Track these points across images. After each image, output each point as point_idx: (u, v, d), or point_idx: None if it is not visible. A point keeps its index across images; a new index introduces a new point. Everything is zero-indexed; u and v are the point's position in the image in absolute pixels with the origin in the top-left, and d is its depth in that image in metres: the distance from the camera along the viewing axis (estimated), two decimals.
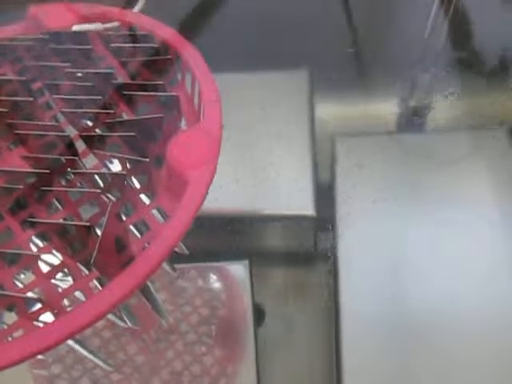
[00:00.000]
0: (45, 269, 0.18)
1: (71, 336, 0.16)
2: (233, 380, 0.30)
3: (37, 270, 0.18)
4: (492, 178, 0.33)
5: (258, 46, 0.41)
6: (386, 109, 0.39)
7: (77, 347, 0.22)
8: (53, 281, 0.18)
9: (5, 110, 0.20)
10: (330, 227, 0.32)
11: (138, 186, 0.20)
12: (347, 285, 0.30)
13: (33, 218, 0.19)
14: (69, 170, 0.20)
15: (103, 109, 0.21)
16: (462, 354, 0.27)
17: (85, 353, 0.23)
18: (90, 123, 0.21)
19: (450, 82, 0.40)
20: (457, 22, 0.41)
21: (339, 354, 0.28)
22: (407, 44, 0.42)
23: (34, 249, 0.19)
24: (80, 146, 0.20)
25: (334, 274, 0.31)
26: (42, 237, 0.19)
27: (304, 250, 0.36)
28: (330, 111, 0.39)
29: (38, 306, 0.17)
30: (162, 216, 0.20)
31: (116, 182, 0.19)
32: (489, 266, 0.30)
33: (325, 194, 0.34)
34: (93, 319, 0.16)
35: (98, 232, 0.18)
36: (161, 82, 0.21)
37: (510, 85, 0.39)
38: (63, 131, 0.20)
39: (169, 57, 0.22)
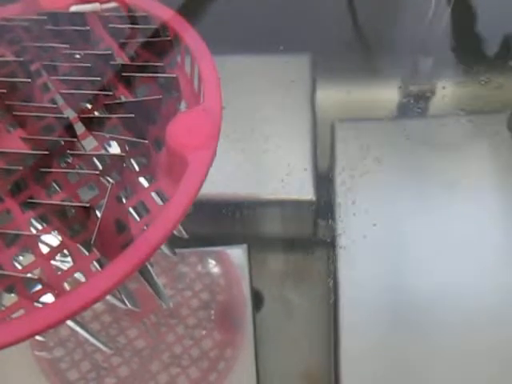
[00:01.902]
0: (45, 250, 0.18)
1: (71, 316, 0.16)
2: (231, 363, 0.30)
3: (36, 251, 0.18)
4: (494, 164, 0.33)
5: (260, 30, 0.41)
6: (388, 94, 0.38)
7: (78, 329, 0.22)
8: (53, 262, 0.18)
9: (3, 91, 0.20)
10: (330, 212, 0.32)
11: (137, 168, 0.20)
12: (346, 271, 0.30)
13: (32, 199, 0.19)
14: (68, 152, 0.20)
15: (102, 90, 0.20)
16: (461, 343, 0.27)
17: (85, 335, 0.23)
18: (88, 105, 0.21)
19: (452, 67, 0.39)
20: (459, 7, 0.41)
21: (338, 339, 0.28)
22: (409, 29, 0.41)
23: (34, 231, 0.19)
24: (79, 128, 0.20)
25: (333, 259, 0.31)
26: (41, 218, 0.19)
27: (303, 235, 0.36)
28: (330, 96, 0.39)
29: (39, 287, 0.17)
30: (162, 198, 0.20)
31: (115, 164, 0.19)
32: (490, 254, 0.30)
33: (324, 179, 0.34)
34: (92, 300, 0.16)
35: (98, 214, 0.18)
36: (160, 64, 0.21)
37: None
38: (62, 113, 0.20)
39: (168, 38, 0.22)
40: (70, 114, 0.21)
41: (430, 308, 0.28)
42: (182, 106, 0.22)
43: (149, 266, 0.21)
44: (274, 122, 0.36)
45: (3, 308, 0.17)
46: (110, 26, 0.23)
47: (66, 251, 0.18)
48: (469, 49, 0.40)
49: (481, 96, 0.38)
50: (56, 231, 0.19)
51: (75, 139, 0.20)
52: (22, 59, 0.21)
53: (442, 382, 0.27)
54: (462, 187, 0.32)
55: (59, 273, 0.18)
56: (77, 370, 0.30)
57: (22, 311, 0.17)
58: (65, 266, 0.18)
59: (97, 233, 0.16)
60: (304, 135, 0.35)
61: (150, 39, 0.22)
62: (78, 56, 0.22)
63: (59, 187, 0.20)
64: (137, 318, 0.32)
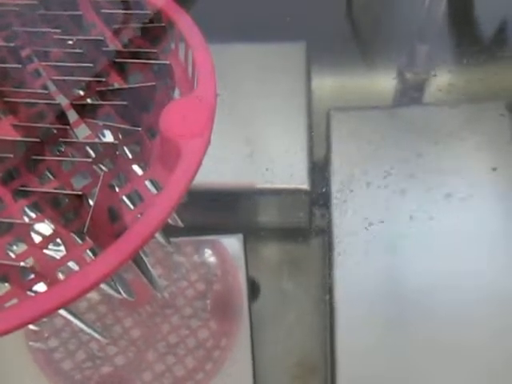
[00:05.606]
0: (37, 239, 0.18)
1: (64, 305, 0.16)
2: (227, 353, 0.30)
3: (29, 240, 0.18)
4: (490, 152, 0.33)
5: (255, 17, 0.40)
6: (384, 82, 0.38)
7: (72, 319, 0.22)
8: (46, 251, 0.18)
9: None
10: (325, 202, 0.32)
11: (130, 156, 0.20)
12: (342, 260, 0.30)
13: (24, 187, 0.18)
14: (60, 140, 0.19)
15: (94, 77, 0.20)
16: (458, 338, 0.27)
17: (80, 324, 0.23)
18: (81, 92, 0.21)
19: (449, 55, 0.39)
20: None
21: (333, 328, 0.28)
22: (405, 16, 0.41)
23: (27, 220, 0.19)
24: (71, 115, 0.20)
25: (329, 248, 0.31)
26: (34, 207, 0.19)
27: (299, 225, 0.36)
28: (326, 84, 0.39)
29: (31, 276, 0.17)
30: (156, 187, 0.19)
31: (108, 152, 0.19)
32: (488, 245, 0.30)
33: (320, 167, 0.34)
34: (86, 289, 0.16)
35: (91, 202, 0.18)
36: (153, 50, 0.21)
37: (509, 57, 0.39)
38: (54, 100, 0.20)
39: (162, 24, 0.22)
40: (62, 100, 0.20)
41: (427, 300, 0.28)
42: (176, 93, 0.22)
43: (143, 256, 0.21)
44: (268, 111, 0.35)
45: None
46: (103, 11, 0.23)
47: (58, 240, 0.18)
48: (465, 36, 0.40)
49: (477, 83, 0.38)
50: (49, 220, 0.18)
51: (68, 127, 0.19)
52: (12, 44, 0.21)
53: (440, 375, 0.27)
54: (458, 175, 0.32)
55: (52, 262, 0.18)
56: (72, 360, 0.30)
57: (14, 300, 0.17)
58: (58, 255, 0.18)
59: (90, 221, 0.16)
60: (299, 124, 0.35)
61: (144, 25, 0.22)
62: (69, 42, 0.21)
63: (52, 175, 0.19)
64: (132, 308, 0.32)
